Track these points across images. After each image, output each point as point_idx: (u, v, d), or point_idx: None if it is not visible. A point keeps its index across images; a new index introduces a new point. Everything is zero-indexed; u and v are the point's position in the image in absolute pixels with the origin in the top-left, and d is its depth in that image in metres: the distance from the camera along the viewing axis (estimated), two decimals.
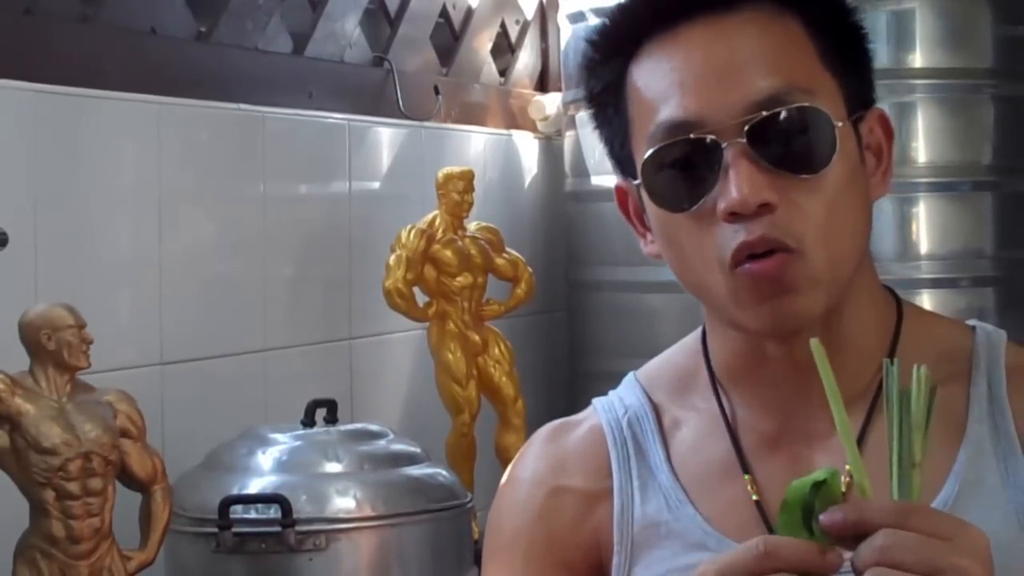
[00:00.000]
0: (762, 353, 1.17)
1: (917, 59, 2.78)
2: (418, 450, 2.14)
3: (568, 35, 3.14)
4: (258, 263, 2.50)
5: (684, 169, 1.12)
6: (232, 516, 1.94)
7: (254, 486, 1.99)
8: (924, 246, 2.77)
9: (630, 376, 1.28)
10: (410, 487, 2.05)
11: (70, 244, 2.12)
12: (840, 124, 1.12)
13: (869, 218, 1.17)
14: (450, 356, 2.56)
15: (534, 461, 1.26)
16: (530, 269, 2.70)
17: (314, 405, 2.14)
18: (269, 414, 2.39)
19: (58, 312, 1.73)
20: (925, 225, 2.79)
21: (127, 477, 1.79)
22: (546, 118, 3.36)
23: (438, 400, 2.60)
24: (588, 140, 3.08)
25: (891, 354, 1.16)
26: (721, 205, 1.09)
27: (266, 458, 2.03)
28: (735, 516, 1.16)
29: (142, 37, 2.35)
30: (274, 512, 1.93)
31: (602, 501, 1.22)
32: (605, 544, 1.21)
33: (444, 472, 2.15)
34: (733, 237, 1.09)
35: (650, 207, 1.16)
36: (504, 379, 2.63)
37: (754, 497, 1.16)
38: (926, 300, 2.69)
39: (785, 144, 1.10)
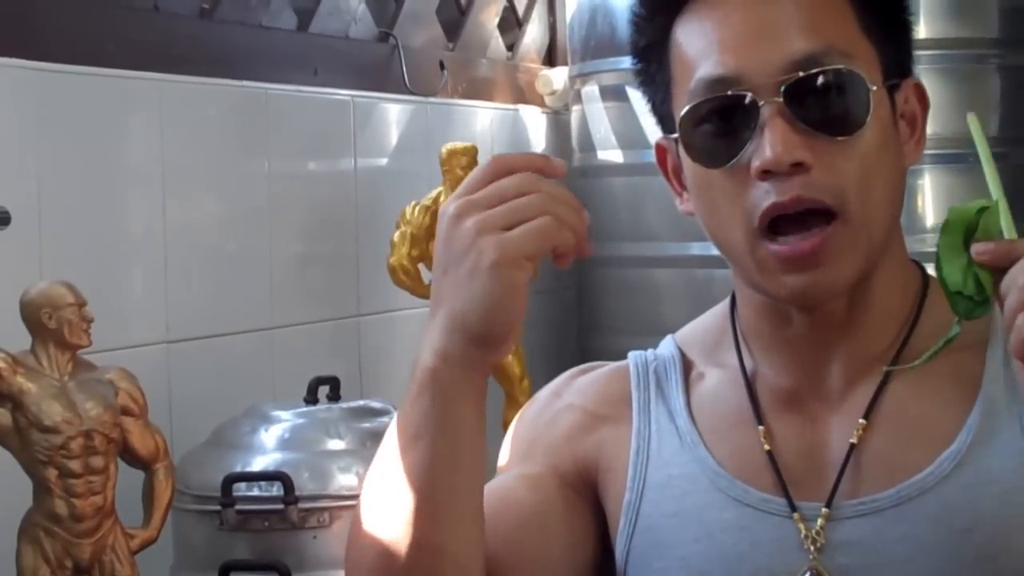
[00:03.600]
0: (783, 314, 1.19)
1: (922, 29, 2.75)
2: None
3: (575, 9, 3.12)
4: (264, 240, 2.50)
5: (721, 125, 1.13)
6: (235, 494, 1.94)
7: (257, 464, 1.99)
8: (930, 219, 2.75)
9: (668, 336, 1.31)
10: None
11: (73, 223, 2.12)
12: (875, 88, 1.13)
13: (903, 184, 1.18)
14: None
15: (556, 384, 1.30)
16: None
17: (317, 382, 2.14)
18: (277, 392, 2.39)
19: (58, 290, 1.74)
20: (931, 197, 2.77)
21: (129, 455, 1.79)
22: (553, 92, 3.35)
23: None
24: (595, 115, 3.06)
25: (914, 321, 1.19)
26: (755, 163, 1.11)
27: (269, 436, 2.03)
28: (746, 462, 1.18)
29: (145, 14, 2.35)
30: (277, 489, 1.94)
31: (608, 425, 1.24)
32: (603, 467, 1.23)
33: None
34: (764, 197, 1.11)
35: (686, 163, 1.18)
36: (510, 357, 2.62)
37: (766, 447, 1.18)
38: (932, 273, 2.67)
39: (821, 105, 1.11)
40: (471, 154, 2.57)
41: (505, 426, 2.67)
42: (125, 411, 1.76)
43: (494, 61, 3.28)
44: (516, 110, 3.26)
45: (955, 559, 1.11)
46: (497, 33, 3.31)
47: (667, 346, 1.29)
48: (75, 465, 1.70)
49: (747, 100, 1.11)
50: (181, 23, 2.42)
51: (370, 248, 2.66)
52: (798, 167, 1.10)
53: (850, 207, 1.11)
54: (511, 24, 3.39)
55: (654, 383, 1.25)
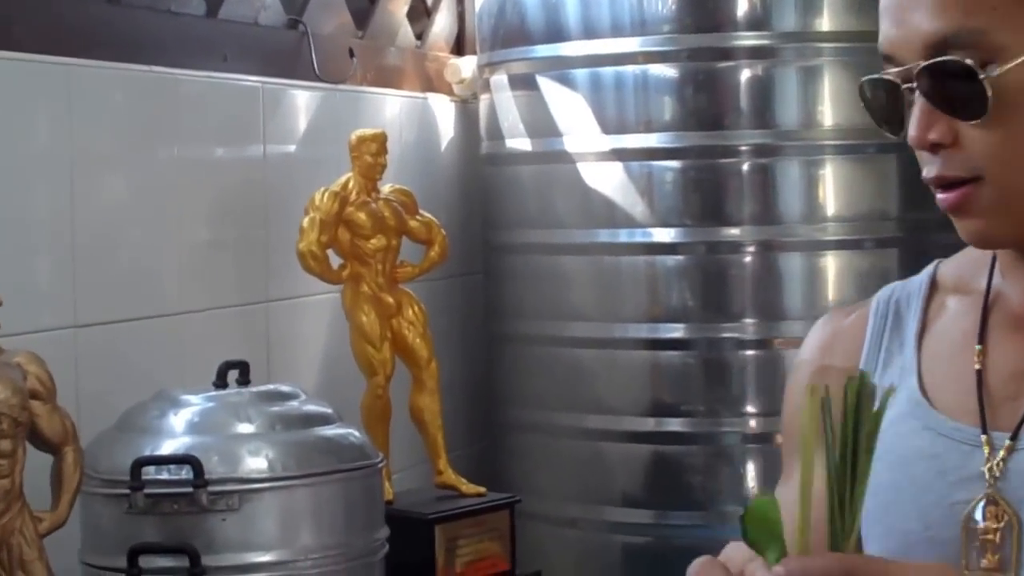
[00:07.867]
0: None
1: (824, 22, 2.81)
2: (330, 410, 2.15)
3: None
4: (173, 226, 2.49)
5: (884, 101, 1.18)
6: (144, 477, 1.94)
7: (166, 447, 1.99)
8: (830, 208, 2.80)
9: (935, 261, 1.33)
10: (322, 447, 2.06)
11: None
12: (1007, 67, 1.12)
13: None
14: (364, 318, 2.57)
15: (809, 343, 1.34)
16: (444, 231, 2.71)
17: (226, 367, 2.15)
18: (185, 377, 2.39)
19: None
20: (831, 187, 2.82)
21: (37, 439, 1.78)
22: (462, 81, 3.36)
23: (354, 362, 2.61)
24: (504, 103, 3.09)
25: None
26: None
27: (178, 419, 2.04)
28: (951, 388, 1.21)
29: None
30: (186, 473, 1.94)
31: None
32: None
33: (356, 432, 2.16)
34: (926, 166, 1.16)
35: None
36: (418, 341, 2.64)
37: (976, 367, 1.21)
38: (832, 261, 2.73)
39: (949, 91, 1.13)
40: (380, 140, 2.59)
41: (412, 411, 2.70)
42: (33, 395, 1.75)
43: (403, 49, 3.29)
44: (425, 98, 3.28)
45: None
46: (406, 21, 3.32)
47: (924, 273, 1.31)
48: None
49: (897, 81, 1.15)
50: (89, 7, 2.41)
51: (279, 234, 2.67)
52: (937, 146, 1.14)
53: (990, 175, 1.14)
54: (420, 13, 3.41)
55: (892, 313, 1.29)
